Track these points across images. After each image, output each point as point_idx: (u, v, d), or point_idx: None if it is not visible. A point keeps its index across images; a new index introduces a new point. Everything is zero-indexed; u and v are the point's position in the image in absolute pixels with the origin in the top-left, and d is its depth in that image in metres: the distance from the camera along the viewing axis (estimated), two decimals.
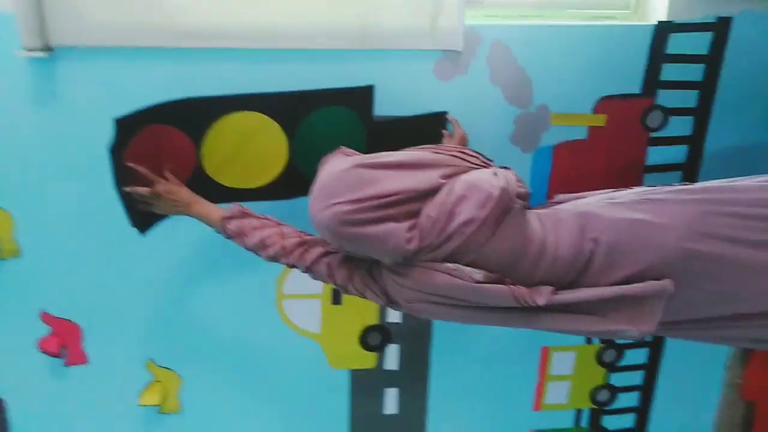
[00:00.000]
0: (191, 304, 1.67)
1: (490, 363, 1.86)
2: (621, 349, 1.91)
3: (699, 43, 1.59)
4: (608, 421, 2.00)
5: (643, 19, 1.64)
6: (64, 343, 1.64)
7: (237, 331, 1.72)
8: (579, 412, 1.97)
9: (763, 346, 1.24)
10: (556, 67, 1.56)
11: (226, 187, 1.51)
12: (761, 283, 1.09)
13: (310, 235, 1.29)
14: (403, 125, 1.54)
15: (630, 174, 1.68)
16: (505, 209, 1.11)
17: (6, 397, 1.70)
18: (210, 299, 1.67)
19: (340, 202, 1.06)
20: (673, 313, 1.13)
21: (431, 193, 1.11)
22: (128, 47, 1.40)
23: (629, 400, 1.98)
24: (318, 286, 1.64)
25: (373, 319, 1.77)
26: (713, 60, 1.60)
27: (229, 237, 1.31)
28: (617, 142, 1.65)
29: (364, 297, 1.25)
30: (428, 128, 1.54)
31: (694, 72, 1.61)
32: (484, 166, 1.21)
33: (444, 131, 1.53)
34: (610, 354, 1.90)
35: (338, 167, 1.10)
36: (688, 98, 1.64)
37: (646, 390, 1.97)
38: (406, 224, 1.08)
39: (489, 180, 1.12)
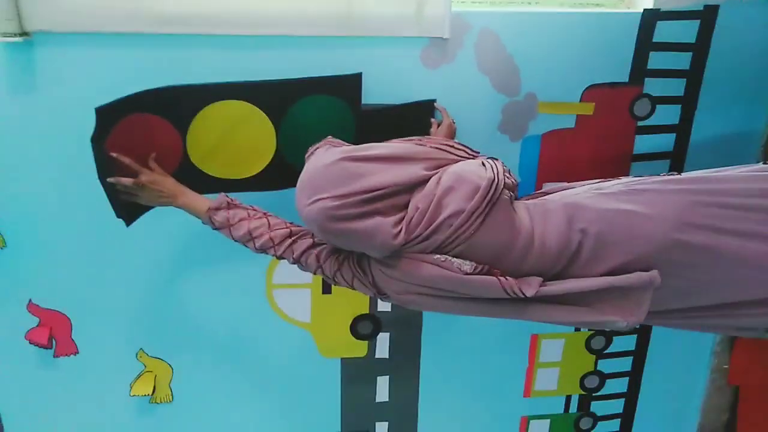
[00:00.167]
0: (181, 294, 1.66)
1: (480, 350, 1.87)
2: (609, 336, 1.92)
3: (686, 31, 1.58)
4: (597, 407, 2.02)
5: (631, 6, 1.63)
6: (52, 333, 1.63)
7: (227, 320, 1.72)
8: (568, 398, 1.99)
9: (750, 334, 1.25)
10: (544, 55, 1.55)
11: (213, 177, 1.49)
12: (748, 272, 1.10)
13: (298, 226, 1.29)
14: (392, 113, 1.53)
15: (617, 162, 1.69)
16: (493, 200, 1.11)
17: None
18: (200, 289, 1.67)
19: (325, 198, 1.06)
20: (661, 302, 1.14)
21: (418, 185, 1.11)
22: (108, 33, 1.37)
23: (618, 386, 2.00)
24: (308, 276, 1.64)
25: (363, 308, 1.78)
26: (700, 48, 1.60)
27: (215, 228, 1.30)
28: (605, 130, 1.65)
29: (353, 288, 1.25)
30: (416, 117, 1.53)
31: (682, 60, 1.61)
32: (471, 158, 1.21)
33: (432, 120, 1.53)
34: (598, 341, 1.92)
35: (323, 161, 1.10)
36: (676, 87, 1.64)
37: (635, 376, 1.99)
38: (392, 219, 1.08)
39: (477, 171, 1.13)
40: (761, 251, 1.08)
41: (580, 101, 1.61)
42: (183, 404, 1.79)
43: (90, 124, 1.20)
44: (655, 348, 1.95)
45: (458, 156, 1.19)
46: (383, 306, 1.78)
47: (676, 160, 1.71)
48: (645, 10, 1.55)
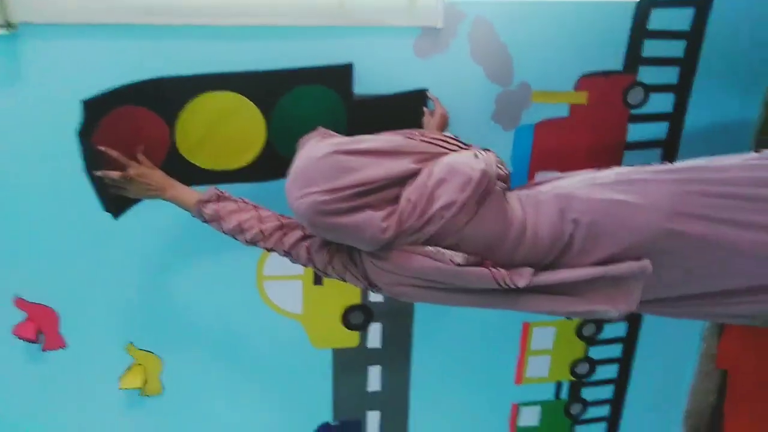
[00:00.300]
0: (170, 286, 1.65)
1: (472, 339, 1.88)
2: (600, 323, 1.94)
3: (680, 18, 1.57)
4: (588, 393, 2.05)
5: None
6: (40, 328, 1.61)
7: (218, 312, 1.71)
8: (559, 384, 2.01)
9: (742, 321, 1.26)
10: (538, 44, 1.54)
11: (203, 169, 1.47)
12: (742, 261, 1.11)
13: (288, 218, 1.28)
14: (384, 103, 1.51)
15: (611, 151, 1.68)
16: (486, 192, 1.10)
17: None
18: (190, 281, 1.65)
19: (316, 192, 1.05)
20: (653, 291, 1.15)
21: (409, 178, 1.10)
22: (95, 24, 1.34)
23: (608, 372, 2.02)
24: (299, 267, 1.63)
25: (355, 299, 1.77)
26: (694, 36, 1.59)
27: (205, 221, 1.29)
28: (599, 119, 1.64)
29: (344, 280, 1.25)
30: (409, 106, 1.52)
31: (675, 48, 1.60)
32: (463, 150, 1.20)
33: (425, 109, 1.51)
34: (589, 328, 1.94)
35: (314, 153, 1.08)
36: (669, 75, 1.63)
37: (625, 362, 2.01)
38: (382, 212, 1.07)
39: (469, 162, 1.12)
40: (756, 240, 1.09)
41: (574, 90, 1.60)
42: (173, 397, 1.78)
43: (77, 116, 1.17)
44: (645, 334, 1.97)
45: (449, 149, 1.18)
46: (375, 296, 1.78)
47: (669, 149, 1.71)
48: None
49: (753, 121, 1.71)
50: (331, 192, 1.04)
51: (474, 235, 1.10)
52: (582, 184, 1.18)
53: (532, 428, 2.05)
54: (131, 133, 1.31)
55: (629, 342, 1.98)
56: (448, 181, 1.08)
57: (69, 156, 1.24)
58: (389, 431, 1.96)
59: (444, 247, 1.10)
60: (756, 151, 1.23)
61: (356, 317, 1.79)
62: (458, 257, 1.09)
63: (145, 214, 1.46)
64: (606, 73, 1.59)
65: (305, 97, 1.45)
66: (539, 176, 1.67)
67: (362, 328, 1.81)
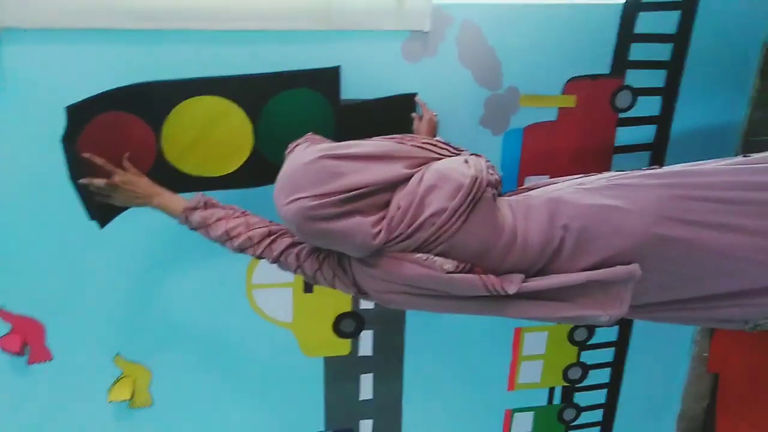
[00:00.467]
0: (158, 296, 1.63)
1: (463, 345, 1.87)
2: (592, 327, 1.93)
3: (667, 22, 1.58)
4: (581, 398, 2.04)
5: None
6: (25, 340, 1.58)
7: (207, 322, 1.69)
8: (552, 390, 2.01)
9: (731, 326, 1.26)
10: (526, 48, 1.54)
11: (190, 175, 1.46)
12: (731, 265, 1.10)
13: (277, 224, 1.27)
14: (372, 108, 1.51)
15: (599, 155, 1.69)
16: (476, 199, 1.10)
17: None
18: (178, 291, 1.64)
19: (303, 197, 1.04)
20: (643, 296, 1.14)
21: (400, 183, 1.09)
22: (79, 29, 1.33)
23: (601, 376, 2.02)
24: (288, 275, 1.60)
25: (346, 306, 1.76)
26: (681, 39, 1.60)
27: (192, 228, 1.27)
28: (587, 122, 1.65)
29: (334, 287, 1.24)
30: (397, 111, 1.51)
31: (662, 51, 1.61)
32: (454, 155, 1.20)
33: (414, 114, 1.50)
34: (581, 333, 1.93)
35: (302, 159, 1.07)
36: (657, 78, 1.64)
37: (617, 366, 2.01)
38: (372, 218, 1.06)
39: (459, 169, 1.11)
40: (744, 244, 1.09)
41: (562, 94, 1.60)
42: (163, 408, 1.75)
43: (60, 123, 1.15)
44: (636, 338, 1.97)
45: (440, 154, 1.18)
46: (366, 303, 1.77)
47: (657, 152, 1.72)
48: (626, 1, 1.54)
49: (740, 122, 1.72)
50: (320, 197, 1.03)
51: (464, 242, 1.10)
52: (571, 190, 1.18)
53: None
54: (117, 140, 1.29)
55: (621, 346, 1.98)
56: (439, 188, 1.08)
57: (53, 163, 1.22)
58: None
59: (434, 254, 1.09)
60: (744, 155, 1.24)
61: (347, 325, 1.78)
62: (448, 264, 1.08)
63: (132, 223, 1.44)
64: (594, 77, 1.60)
65: (292, 101, 1.44)
66: (529, 181, 1.67)
67: (353, 336, 1.80)
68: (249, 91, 1.42)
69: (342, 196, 1.04)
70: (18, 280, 1.53)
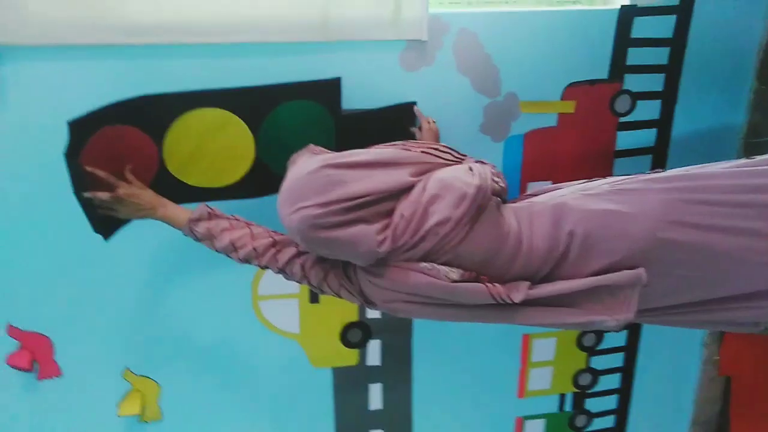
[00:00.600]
0: (165, 309, 1.63)
1: (472, 353, 1.86)
2: (600, 332, 1.92)
3: (663, 26, 1.59)
4: (592, 404, 2.02)
5: (608, 3, 1.64)
6: (34, 356, 1.59)
7: (214, 335, 1.69)
8: (563, 396, 1.99)
9: (738, 329, 1.25)
10: (524, 54, 1.55)
11: (193, 186, 1.47)
12: (735, 268, 1.10)
13: (281, 234, 1.27)
14: (372, 118, 1.52)
15: (600, 159, 1.69)
16: (481, 207, 1.10)
17: None
18: (184, 303, 1.64)
19: (308, 206, 1.04)
20: (650, 300, 1.14)
21: (403, 191, 1.09)
22: (78, 45, 1.33)
23: (611, 382, 2.00)
24: (294, 286, 1.62)
25: (352, 316, 1.76)
26: (677, 43, 1.61)
27: (197, 240, 1.28)
28: (587, 128, 1.65)
29: (340, 297, 1.24)
30: (397, 120, 1.53)
31: (660, 55, 1.62)
32: (458, 162, 1.19)
33: (413, 129, 1.52)
34: (589, 338, 1.92)
35: (305, 169, 1.08)
36: (655, 82, 1.65)
37: (627, 371, 1.99)
38: (377, 226, 1.06)
39: (463, 178, 1.11)
40: (748, 246, 1.08)
41: (561, 99, 1.61)
42: (173, 422, 1.75)
43: (62, 138, 1.17)
44: (645, 343, 1.95)
45: (444, 159, 1.17)
46: (372, 313, 1.76)
47: (659, 155, 1.71)
48: (622, 6, 1.56)
49: (740, 124, 1.72)
50: (323, 206, 1.03)
51: (469, 251, 1.09)
52: (575, 195, 1.17)
53: None
54: (119, 153, 1.30)
55: (630, 351, 1.97)
56: (442, 198, 1.07)
57: (57, 178, 1.23)
58: None
59: (439, 263, 1.09)
60: (747, 157, 1.23)
61: (354, 335, 1.78)
62: (454, 273, 1.08)
63: (136, 235, 1.45)
64: (592, 82, 1.61)
65: (293, 113, 1.46)
66: (531, 187, 1.67)
67: (361, 346, 1.80)
68: (250, 103, 1.43)
69: (346, 204, 1.04)
70: (25, 297, 1.53)
